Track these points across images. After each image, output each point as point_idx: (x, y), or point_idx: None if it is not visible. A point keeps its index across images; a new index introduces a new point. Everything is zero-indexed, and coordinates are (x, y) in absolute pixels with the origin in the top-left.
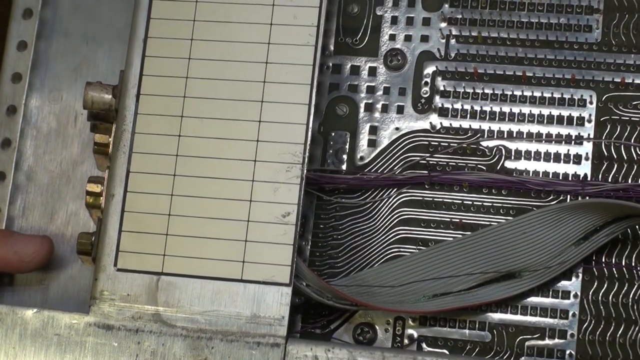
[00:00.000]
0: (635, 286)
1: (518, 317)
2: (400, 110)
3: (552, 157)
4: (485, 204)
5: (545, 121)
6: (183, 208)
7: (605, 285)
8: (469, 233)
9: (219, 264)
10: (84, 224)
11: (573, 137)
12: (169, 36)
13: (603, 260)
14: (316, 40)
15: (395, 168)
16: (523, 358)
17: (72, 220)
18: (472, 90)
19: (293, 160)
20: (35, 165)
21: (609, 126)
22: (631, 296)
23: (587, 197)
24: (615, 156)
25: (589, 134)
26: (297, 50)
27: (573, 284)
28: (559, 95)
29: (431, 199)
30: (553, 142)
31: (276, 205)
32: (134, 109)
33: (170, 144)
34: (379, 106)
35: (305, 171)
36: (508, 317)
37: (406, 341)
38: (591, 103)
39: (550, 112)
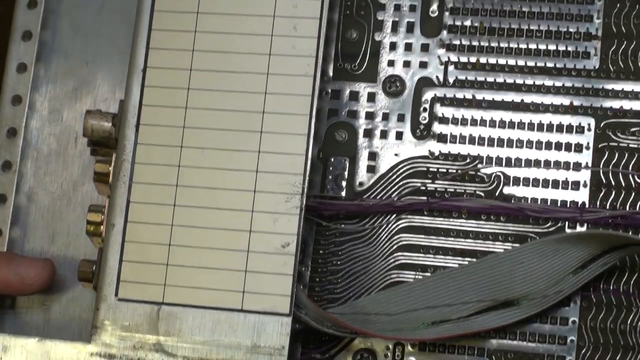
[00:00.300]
0: (633, 313)
1: (517, 343)
2: (399, 136)
3: (550, 183)
4: (484, 230)
5: (543, 147)
6: (183, 238)
7: (603, 312)
8: (467, 259)
9: (219, 294)
10: (85, 245)
11: (571, 165)
12: (168, 66)
13: (601, 287)
14: (315, 70)
15: (395, 194)
16: None
17: (73, 241)
18: (470, 117)
19: (292, 190)
20: (36, 186)
21: (607, 153)
22: (629, 323)
23: (586, 224)
24: (613, 183)
25: (587, 162)
26: (296, 81)
27: (571, 310)
28: (558, 122)
29: (430, 225)
30: (551, 169)
31: (276, 235)
32: (133, 139)
33: (170, 174)
34: (377, 132)
35: (304, 202)
36: (507, 342)
37: None
38: (589, 130)
39: (548, 139)
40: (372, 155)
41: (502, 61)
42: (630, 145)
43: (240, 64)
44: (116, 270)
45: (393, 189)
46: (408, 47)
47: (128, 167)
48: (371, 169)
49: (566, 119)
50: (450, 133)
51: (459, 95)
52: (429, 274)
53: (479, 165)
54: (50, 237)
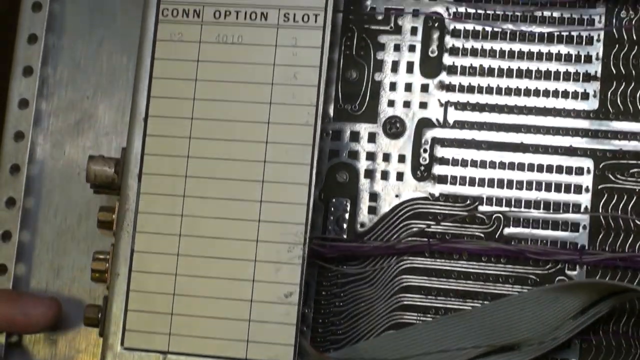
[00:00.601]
0: (632, 354)
1: None
2: (400, 177)
3: (550, 224)
4: (485, 272)
5: (543, 189)
6: (187, 287)
7: (603, 354)
8: (469, 301)
9: (224, 343)
10: (90, 280)
11: (571, 207)
12: (169, 115)
13: (601, 329)
14: (315, 119)
15: (396, 235)
16: None
17: (78, 276)
18: (470, 158)
19: (294, 240)
20: (40, 222)
21: (606, 195)
22: None
23: (585, 267)
24: (613, 225)
25: (586, 205)
26: (297, 130)
27: (571, 352)
28: (557, 164)
29: (431, 266)
30: (550, 210)
31: (278, 285)
32: (136, 188)
33: (173, 223)
34: (378, 173)
35: (306, 252)
36: None
37: None
38: (589, 172)
39: (548, 181)
40: (373, 197)
41: (502, 102)
42: (630, 187)
43: (241, 112)
44: (122, 319)
45: (394, 231)
46: (408, 87)
47: (132, 216)
48: (372, 210)
49: (566, 161)
50: (451, 174)
51: (459, 136)
52: (430, 316)
53: (479, 207)
54: (56, 272)
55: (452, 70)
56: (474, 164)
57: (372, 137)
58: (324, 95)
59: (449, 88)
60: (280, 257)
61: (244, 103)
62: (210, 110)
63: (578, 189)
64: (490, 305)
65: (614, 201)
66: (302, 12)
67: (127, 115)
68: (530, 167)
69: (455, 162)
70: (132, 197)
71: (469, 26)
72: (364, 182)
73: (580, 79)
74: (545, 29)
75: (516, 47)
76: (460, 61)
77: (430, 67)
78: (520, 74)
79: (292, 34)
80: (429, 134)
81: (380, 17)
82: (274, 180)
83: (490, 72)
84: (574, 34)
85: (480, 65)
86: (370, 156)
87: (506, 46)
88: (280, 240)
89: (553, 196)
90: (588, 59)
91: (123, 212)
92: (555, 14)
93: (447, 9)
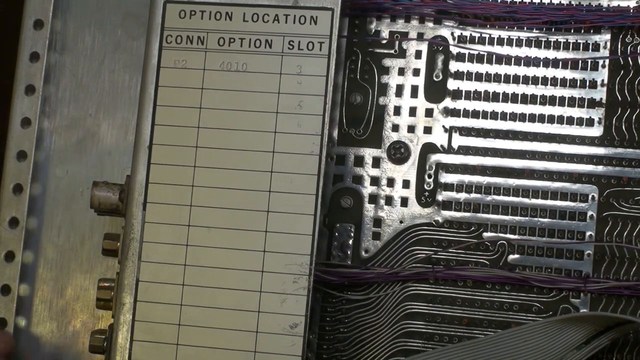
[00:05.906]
0: None
1: None
2: (404, 202)
3: (554, 252)
4: (489, 299)
5: (547, 215)
6: (193, 318)
7: None
8: (473, 328)
9: None
10: (94, 299)
11: (575, 234)
12: (174, 143)
13: (605, 358)
14: (320, 149)
15: (400, 261)
16: None
17: (82, 294)
18: (475, 184)
19: (300, 271)
20: (43, 241)
21: (610, 222)
22: None
23: (590, 294)
24: (617, 254)
25: (590, 234)
26: (302, 159)
27: None
28: (562, 190)
29: (436, 293)
30: (555, 238)
31: (284, 316)
32: (141, 217)
33: (178, 253)
34: (383, 199)
35: (312, 282)
36: None
37: None
38: (593, 199)
39: (553, 207)
40: (377, 222)
41: (506, 127)
42: (634, 215)
43: (246, 141)
44: (127, 349)
45: (398, 257)
46: (412, 112)
47: (137, 245)
48: (377, 236)
49: (570, 187)
50: (455, 200)
51: (464, 161)
52: (434, 343)
53: (484, 234)
54: (59, 291)
55: (456, 95)
56: (478, 189)
57: (376, 162)
58: (328, 126)
59: (454, 113)
60: (286, 288)
61: (248, 132)
62: (214, 139)
63: (582, 216)
64: (495, 335)
65: (618, 228)
66: (307, 40)
67: (130, 133)
68: (535, 194)
69: (459, 188)
70: (136, 226)
71: (474, 50)
72: (368, 208)
73: (586, 105)
74: (550, 54)
75: (521, 71)
76: (465, 86)
77: (435, 91)
78: (525, 99)
79: (296, 62)
80: (434, 159)
81: (384, 41)
82: (279, 210)
83: (495, 97)
84: (579, 59)
85: (485, 90)
86: (375, 181)
87: (511, 70)
88: (286, 271)
89: (557, 223)
90: (593, 84)
91: (128, 241)
92: (561, 39)
93: (452, 34)
